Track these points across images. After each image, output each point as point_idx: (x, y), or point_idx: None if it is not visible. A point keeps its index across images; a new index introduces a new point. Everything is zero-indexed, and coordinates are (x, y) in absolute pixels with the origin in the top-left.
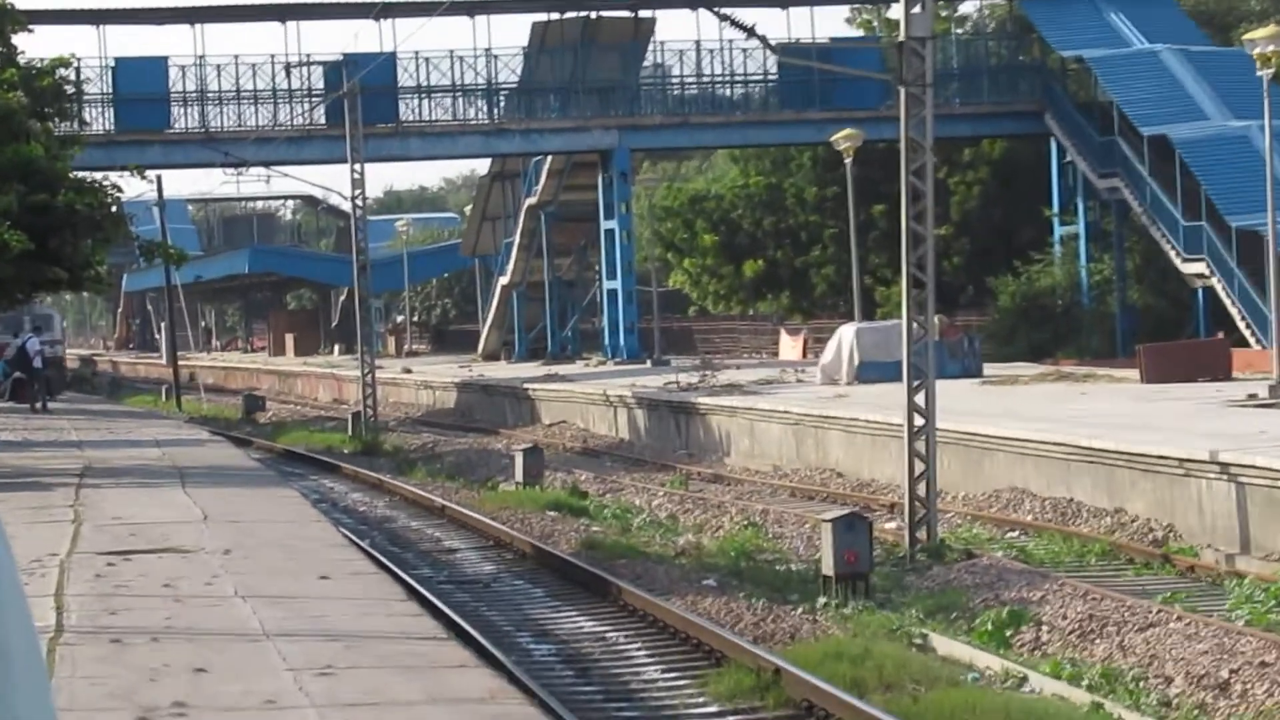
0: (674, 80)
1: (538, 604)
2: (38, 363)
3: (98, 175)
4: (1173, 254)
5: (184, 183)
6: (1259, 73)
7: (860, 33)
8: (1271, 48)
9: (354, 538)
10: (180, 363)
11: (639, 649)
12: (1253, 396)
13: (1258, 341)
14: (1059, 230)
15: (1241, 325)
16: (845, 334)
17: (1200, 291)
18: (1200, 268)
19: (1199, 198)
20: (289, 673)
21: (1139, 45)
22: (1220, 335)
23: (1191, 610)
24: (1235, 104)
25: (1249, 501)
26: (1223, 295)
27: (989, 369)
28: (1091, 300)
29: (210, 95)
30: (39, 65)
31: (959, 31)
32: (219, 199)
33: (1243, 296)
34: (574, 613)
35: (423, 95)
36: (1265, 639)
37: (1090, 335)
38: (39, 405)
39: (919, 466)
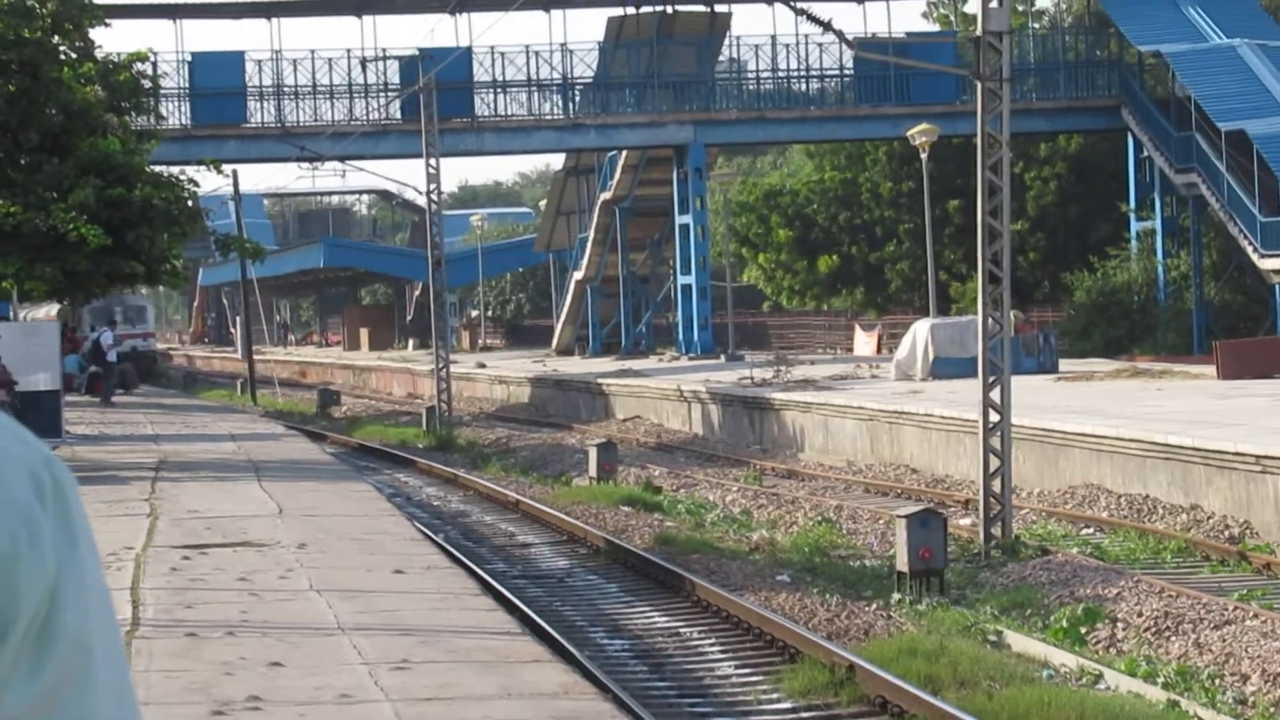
0: (749, 75)
1: (611, 599)
2: (111, 356)
3: (174, 170)
4: (1250, 250)
5: (260, 177)
6: None
7: (936, 27)
8: None
9: (428, 532)
10: (255, 357)
11: (712, 645)
12: None
13: None
14: (1135, 226)
15: None
16: (920, 329)
17: (1277, 288)
18: (1278, 264)
19: (1277, 193)
20: (364, 667)
21: (1217, 40)
22: None
23: (1268, 608)
24: None
25: None
26: None
27: (1064, 365)
28: (1168, 296)
29: (286, 90)
30: (116, 60)
31: (1036, 26)
32: (294, 194)
33: None
34: (647, 608)
35: (498, 90)
36: None
37: (1166, 331)
38: (109, 399)
39: (994, 463)
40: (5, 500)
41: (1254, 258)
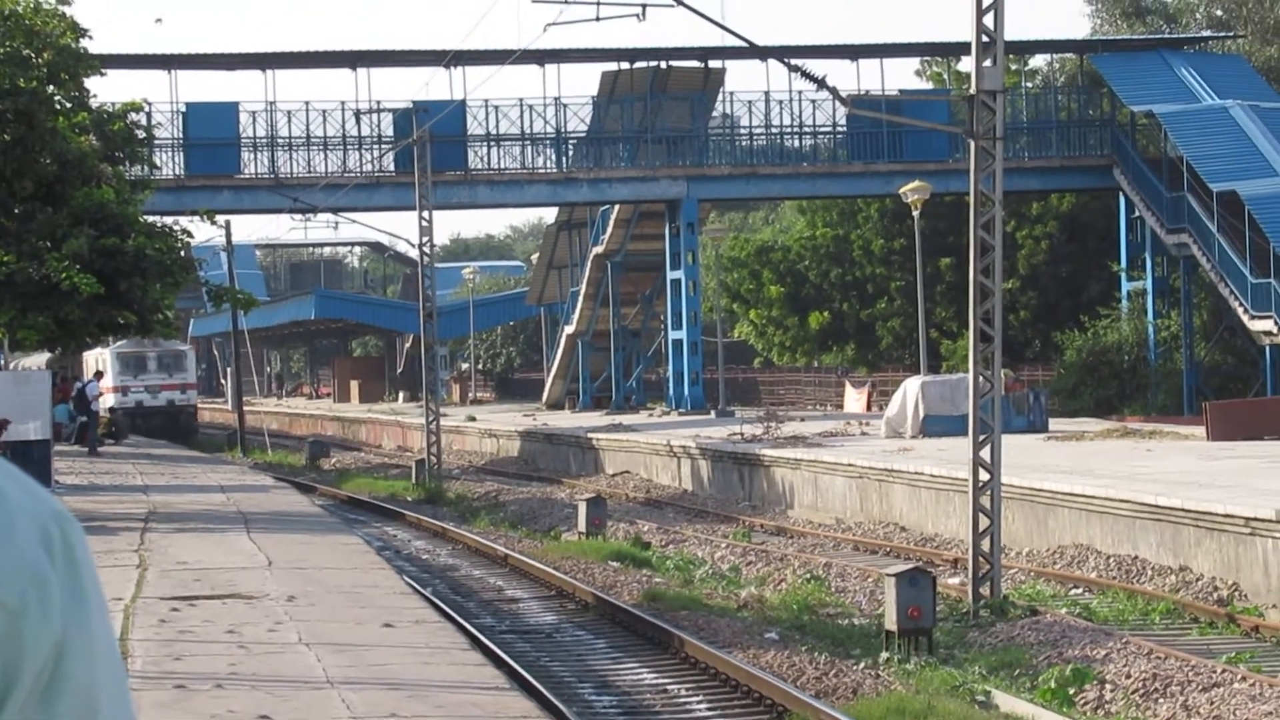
0: (742, 130)
1: (599, 655)
2: (95, 406)
3: (168, 220)
4: (1241, 311)
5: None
6: None
7: (929, 85)
8: None
9: (417, 586)
10: (245, 408)
11: (700, 702)
12: None
13: None
14: (1126, 285)
15: None
16: (910, 387)
17: (1268, 349)
18: (1268, 325)
19: (1268, 255)
20: None
21: (1209, 101)
22: None
23: (1256, 671)
24: None
25: None
26: None
27: (1054, 424)
28: (1158, 356)
29: (280, 141)
30: (111, 109)
31: (1029, 85)
32: (286, 245)
33: None
34: (635, 664)
35: (491, 143)
36: None
37: (1156, 392)
38: (95, 448)
39: (984, 522)
40: (15, 557)
41: (1244, 319)
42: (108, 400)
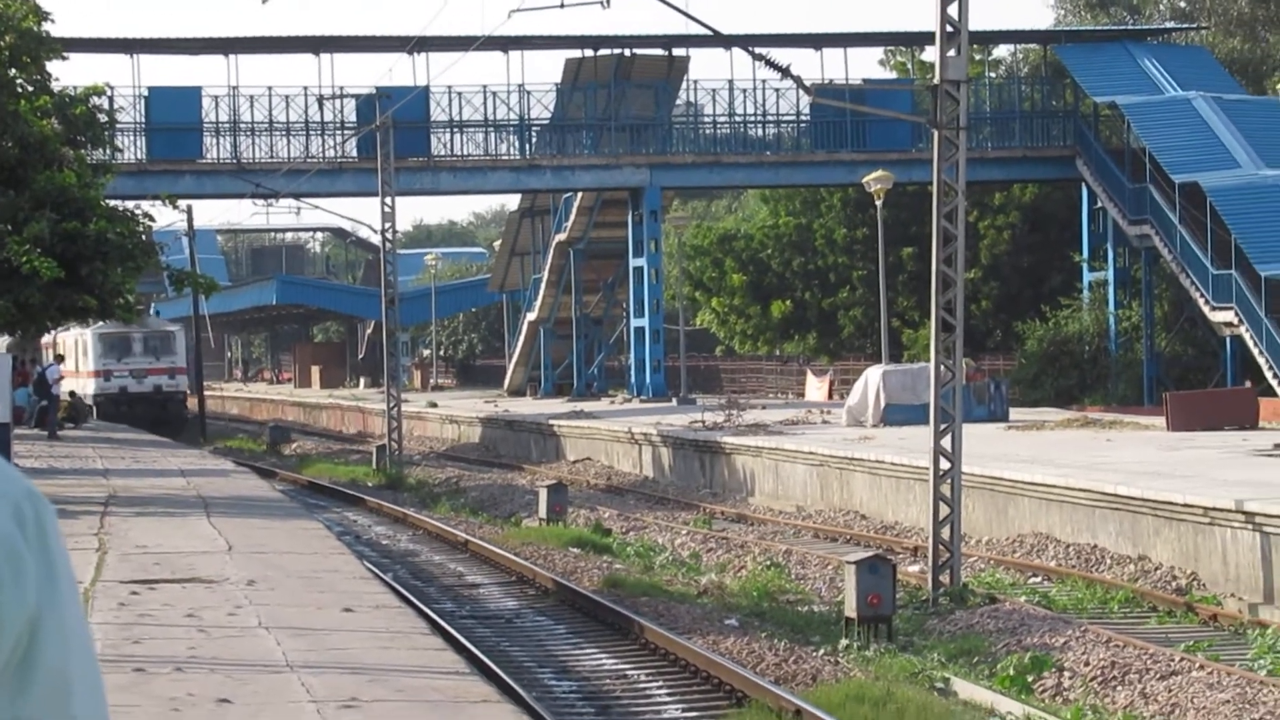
0: (706, 119)
1: (559, 641)
2: (56, 390)
3: (129, 204)
4: (1201, 302)
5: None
6: None
7: (893, 74)
8: None
9: (377, 571)
10: (206, 393)
11: (660, 688)
12: (1279, 446)
13: None
14: (1088, 276)
15: (1269, 375)
16: (872, 376)
17: (1228, 340)
18: (1229, 316)
19: (1229, 246)
20: (312, 705)
21: (1172, 92)
22: (1247, 384)
23: (1214, 659)
24: (1268, 153)
25: (1273, 551)
26: (1251, 344)
27: (1015, 414)
28: (1119, 347)
29: (243, 126)
30: (73, 93)
31: (992, 75)
32: (248, 230)
33: (1270, 346)
34: (595, 650)
35: (454, 130)
36: None
37: (1117, 382)
38: (55, 432)
39: (944, 510)
40: None
41: (1205, 310)
42: (88, 387)
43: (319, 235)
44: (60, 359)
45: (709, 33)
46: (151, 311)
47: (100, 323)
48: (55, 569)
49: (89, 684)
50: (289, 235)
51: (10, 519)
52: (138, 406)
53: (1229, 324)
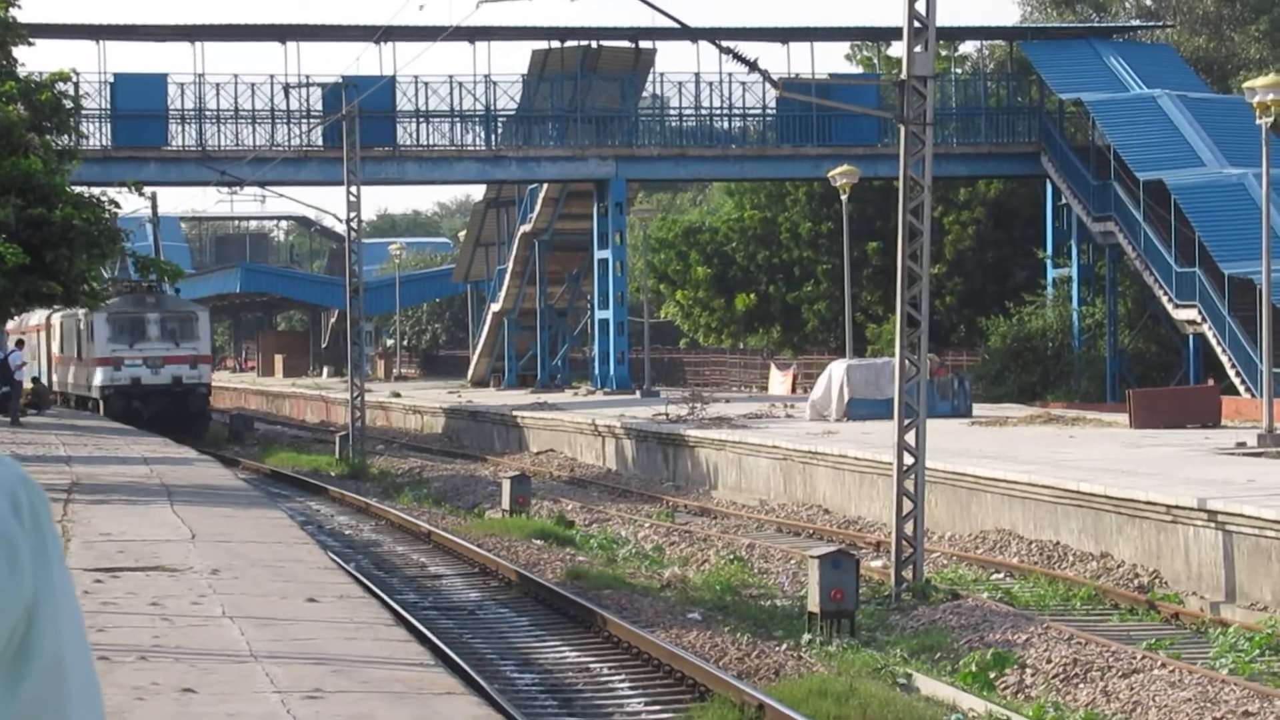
0: (672, 111)
1: (522, 633)
2: (18, 376)
3: (95, 190)
4: (1165, 299)
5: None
6: (1258, 121)
7: (859, 69)
8: (1271, 96)
9: (340, 561)
10: None
11: (622, 681)
12: (1241, 445)
13: (1247, 390)
14: (1052, 273)
15: (1231, 373)
16: (836, 370)
17: (1191, 338)
18: (1192, 314)
19: (1193, 244)
20: (276, 695)
21: (1138, 90)
22: (1210, 382)
23: (1176, 658)
24: (1232, 151)
25: (1235, 550)
26: (1214, 342)
27: (978, 409)
28: (1082, 344)
29: (208, 113)
30: (38, 79)
31: (958, 71)
32: (212, 217)
33: (1233, 344)
34: (558, 642)
35: (421, 119)
36: (1248, 688)
37: (1080, 379)
38: (18, 419)
39: (907, 505)
40: None
41: (1169, 307)
42: (93, 376)
43: (283, 224)
44: (21, 344)
45: (676, 25)
46: (169, 289)
47: (112, 299)
48: (49, 556)
49: (84, 672)
50: (253, 223)
51: (7, 506)
52: (153, 401)
53: (1192, 322)
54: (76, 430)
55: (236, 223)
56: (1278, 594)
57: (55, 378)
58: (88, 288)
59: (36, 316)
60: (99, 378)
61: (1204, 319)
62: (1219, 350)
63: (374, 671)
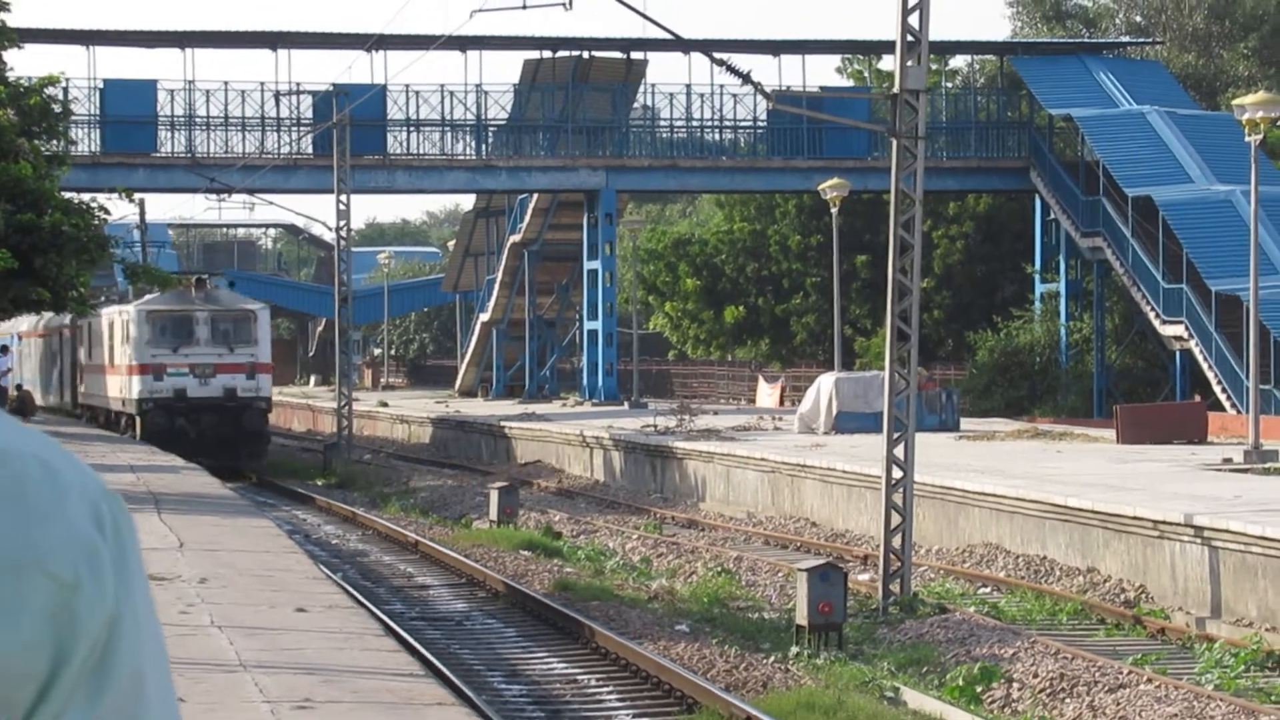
0: (663, 123)
1: (510, 644)
2: (3, 382)
3: (85, 196)
4: (1152, 315)
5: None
6: (1247, 138)
7: (850, 82)
8: (1260, 114)
9: (328, 571)
10: None
11: (610, 693)
12: (1228, 461)
13: (1234, 406)
14: (1040, 288)
15: (1218, 389)
16: (824, 383)
17: (1178, 354)
18: (1179, 330)
19: (1181, 260)
20: (266, 705)
21: (1127, 106)
22: (1197, 398)
23: (1162, 673)
24: (1220, 168)
25: (1221, 565)
26: (1200, 359)
27: (965, 424)
28: (1069, 359)
29: (198, 120)
30: (28, 83)
31: (949, 85)
32: (200, 225)
33: (1220, 360)
34: (546, 654)
35: (411, 128)
36: (1234, 704)
37: (1067, 394)
38: None
39: (895, 519)
40: (66, 531)
41: (1156, 323)
42: (129, 388)
43: (271, 232)
44: (4, 350)
45: (668, 36)
46: (217, 285)
47: (152, 294)
48: (130, 570)
49: (163, 686)
50: (241, 231)
51: (89, 519)
52: (201, 419)
53: (1179, 338)
54: (62, 437)
55: (224, 230)
56: (1263, 610)
57: (84, 390)
58: (76, 294)
59: (26, 322)
60: (136, 389)
61: (1191, 335)
62: (1205, 366)
63: (364, 682)
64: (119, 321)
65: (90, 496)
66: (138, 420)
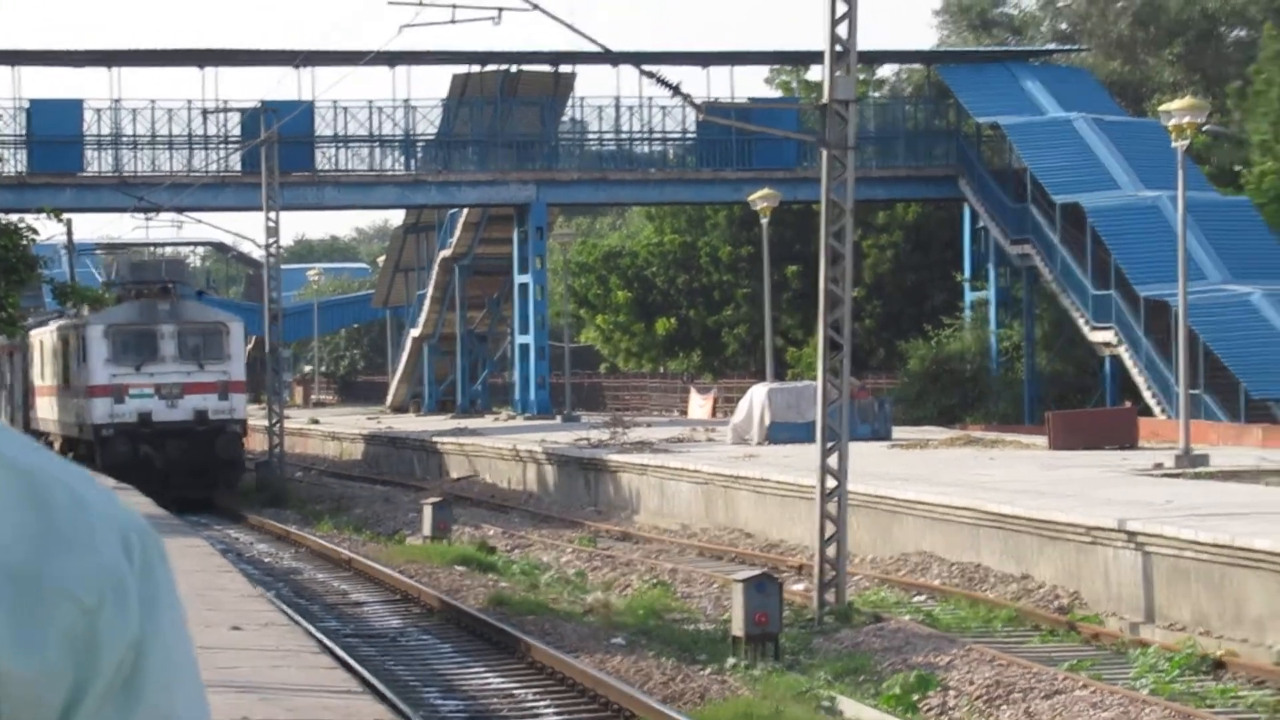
0: (592, 135)
1: (445, 660)
2: None
3: (12, 217)
4: (1081, 322)
5: (93, 227)
6: (1173, 144)
7: (779, 93)
8: (1186, 119)
9: (262, 589)
10: None
11: (547, 707)
12: (1159, 466)
13: (1163, 411)
14: (970, 295)
15: (1148, 394)
16: (757, 394)
17: (1108, 360)
18: (1108, 336)
19: (1109, 267)
20: None
21: (1054, 114)
22: (1127, 404)
23: (1097, 678)
24: (1147, 174)
25: (1154, 570)
26: (1130, 364)
27: (898, 432)
28: (1000, 366)
29: (125, 139)
30: None
31: (876, 95)
32: (128, 244)
33: (1149, 366)
34: (482, 669)
35: (340, 144)
36: (1169, 708)
37: (998, 401)
38: None
39: (829, 528)
40: (95, 562)
41: (1085, 330)
42: (88, 413)
43: (199, 250)
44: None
45: (597, 49)
46: (183, 294)
47: (115, 304)
48: (159, 598)
49: (195, 710)
50: (169, 250)
51: (118, 548)
52: (169, 445)
53: (1108, 344)
54: None
55: (152, 249)
56: (1196, 614)
57: (37, 415)
58: (5, 315)
59: None
60: (96, 413)
61: (1120, 341)
62: (1135, 372)
63: (301, 699)
64: (73, 338)
65: (121, 529)
66: (98, 447)
